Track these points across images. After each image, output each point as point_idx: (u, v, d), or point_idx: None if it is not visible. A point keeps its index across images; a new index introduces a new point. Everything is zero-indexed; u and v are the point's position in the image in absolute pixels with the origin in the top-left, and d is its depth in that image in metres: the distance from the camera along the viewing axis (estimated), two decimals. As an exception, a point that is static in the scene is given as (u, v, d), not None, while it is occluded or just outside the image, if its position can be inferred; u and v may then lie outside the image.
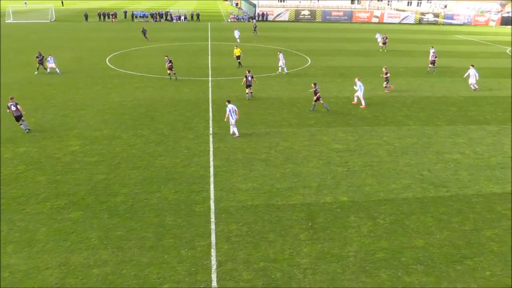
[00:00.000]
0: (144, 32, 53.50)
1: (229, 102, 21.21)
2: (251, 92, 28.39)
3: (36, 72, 35.03)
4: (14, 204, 14.96)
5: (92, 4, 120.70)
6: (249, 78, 27.40)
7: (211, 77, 34.12)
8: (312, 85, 25.85)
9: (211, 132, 22.00)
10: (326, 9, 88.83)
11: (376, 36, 53.35)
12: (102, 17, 78.88)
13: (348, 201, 15.50)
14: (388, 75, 30.25)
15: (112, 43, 51.64)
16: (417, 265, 12.16)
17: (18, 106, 21.40)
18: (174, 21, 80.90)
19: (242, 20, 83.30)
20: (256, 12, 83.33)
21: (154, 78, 33.52)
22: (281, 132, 22.13)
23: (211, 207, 14.92)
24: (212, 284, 11.23)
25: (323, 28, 72.54)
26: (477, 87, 31.62)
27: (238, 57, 37.50)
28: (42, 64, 35.21)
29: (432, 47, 40.00)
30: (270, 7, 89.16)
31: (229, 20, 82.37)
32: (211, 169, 17.82)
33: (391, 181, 17.05)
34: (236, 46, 39.29)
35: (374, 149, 20.21)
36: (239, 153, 19.39)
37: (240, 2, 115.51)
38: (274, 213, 14.63)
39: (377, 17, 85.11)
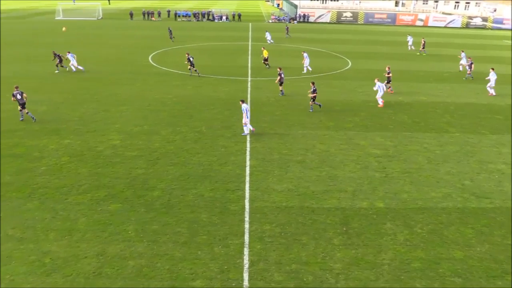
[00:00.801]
0: (170, 31, 53.73)
1: (243, 101, 21.35)
2: (282, 91, 29.24)
3: (56, 71, 35.40)
4: (57, 194, 15.57)
5: (137, 3, 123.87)
6: (282, 76, 28.21)
7: (250, 77, 34.29)
8: (311, 84, 25.30)
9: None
10: (369, 11, 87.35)
11: (408, 39, 51.88)
12: (146, 15, 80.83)
13: (384, 207, 15.19)
14: (390, 75, 30.00)
15: (155, 41, 52.82)
16: (454, 277, 11.76)
17: (24, 95, 22.95)
18: (216, 20, 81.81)
19: (283, 21, 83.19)
20: (297, 13, 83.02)
21: (193, 77, 34.01)
22: (318, 135, 21.96)
23: (246, 206, 15.00)
24: (244, 283, 11.28)
25: (365, 30, 71.40)
26: (492, 92, 30.92)
27: (266, 59, 37.85)
28: (61, 62, 35.58)
29: (463, 51, 39.11)
30: (311, 8, 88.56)
31: (270, 21, 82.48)
32: (247, 168, 17.90)
33: (430, 189, 16.57)
34: (264, 48, 39.77)
35: (413, 156, 19.71)
36: (275, 154, 19.40)
37: (282, 3, 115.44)
38: (308, 215, 14.53)
39: (421, 20, 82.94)
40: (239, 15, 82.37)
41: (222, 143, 20.49)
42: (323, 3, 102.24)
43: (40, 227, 13.55)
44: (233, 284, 11.22)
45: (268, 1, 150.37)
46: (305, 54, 36.68)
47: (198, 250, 12.56)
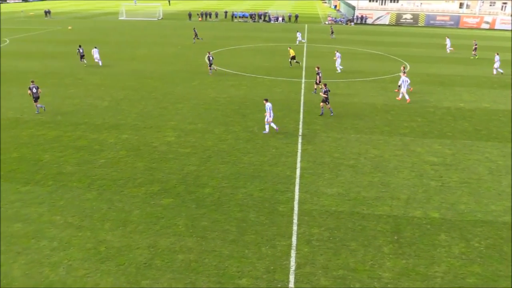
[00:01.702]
0: (195, 33, 53.95)
1: (266, 100, 21.48)
2: (316, 89, 29.61)
3: (84, 64, 38.04)
4: (114, 186, 16.28)
5: (196, 4, 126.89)
6: (320, 75, 28.57)
7: (304, 79, 34.11)
8: (323, 86, 24.42)
9: (300, 133, 22.01)
10: (430, 13, 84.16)
11: (446, 42, 49.83)
12: (204, 16, 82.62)
13: (439, 218, 14.57)
14: (405, 74, 28.65)
15: (212, 41, 53.85)
16: (514, 296, 11.08)
17: (39, 90, 24.49)
18: (272, 22, 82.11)
19: (339, 22, 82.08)
20: (355, 15, 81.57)
21: (248, 77, 34.36)
22: (372, 139, 21.45)
23: (295, 208, 14.94)
24: (290, 285, 11.23)
25: (425, 33, 68.87)
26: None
27: (293, 57, 38.46)
28: (83, 56, 38.03)
29: (497, 53, 38.04)
30: (370, 9, 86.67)
31: (327, 22, 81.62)
32: (298, 170, 17.83)
33: (490, 202, 15.69)
34: (290, 47, 40.43)
35: (473, 165, 18.76)
36: (327, 157, 19.17)
37: (339, 4, 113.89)
38: (358, 221, 14.23)
39: (487, 23, 78.80)
40: (296, 16, 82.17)
41: (273, 144, 20.54)
42: (382, 4, 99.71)
43: (97, 217, 14.23)
44: (279, 286, 11.21)
45: (325, 2, 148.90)
46: (337, 54, 36.86)
47: (245, 249, 12.66)
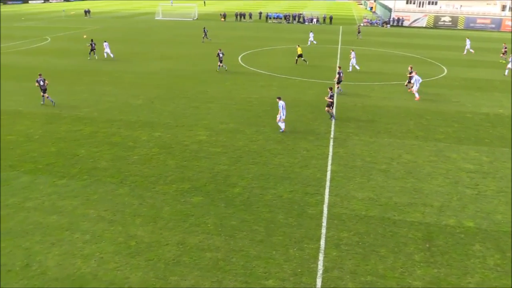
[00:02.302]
0: (205, 32, 54.52)
1: (279, 99, 21.76)
2: (338, 88, 30.01)
3: (89, 58, 41.25)
4: (146, 183, 16.59)
5: (231, 5, 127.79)
6: (341, 75, 29.18)
7: (337, 81, 33.72)
8: (328, 90, 23.71)
9: (332, 136, 21.80)
10: (470, 15, 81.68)
11: (466, 43, 49.48)
12: (238, 17, 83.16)
13: (474, 227, 14.10)
14: (412, 75, 29.47)
15: (246, 42, 54.11)
16: (552, 312, 10.59)
17: (46, 81, 26.00)
18: (306, 23, 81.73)
19: (375, 24, 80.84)
20: (391, 17, 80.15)
21: (280, 78, 34.31)
22: (405, 144, 21.00)
23: (324, 211, 14.80)
24: (316, 289, 11.14)
25: (464, 36, 66.82)
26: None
27: (300, 55, 39.54)
28: (94, 50, 41.16)
29: None
30: (407, 12, 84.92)
31: (362, 24, 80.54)
32: (328, 173, 17.65)
33: (529, 212, 15.07)
34: (298, 45, 41.67)
35: (512, 174, 18.07)
36: (358, 160, 18.90)
37: (375, 6, 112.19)
38: (389, 227, 13.96)
39: (531, 27, 75.75)
40: (331, 18, 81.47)
41: (304, 146, 20.42)
42: (419, 6, 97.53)
43: (128, 212, 14.53)
44: (306, 288, 11.14)
45: (361, 4, 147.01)
46: (352, 53, 37.36)
47: (273, 250, 12.64)
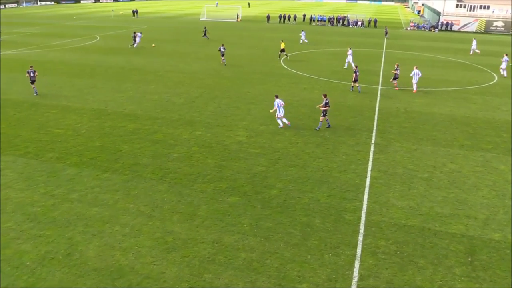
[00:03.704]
0: (205, 30, 56.44)
1: (277, 97, 22.58)
2: (359, 86, 30.98)
3: (129, 46, 48.81)
4: (185, 180, 16.87)
5: (275, 7, 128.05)
6: (357, 73, 30.17)
7: (381, 86, 33.08)
8: (322, 96, 22.54)
9: (373, 141, 21.37)
10: (525, 21, 77.84)
11: (472, 43, 50.70)
12: (282, 19, 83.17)
13: (521, 242, 13.41)
14: (397, 72, 31.30)
15: (288, 44, 53.96)
16: None
17: (36, 73, 28.47)
18: (351, 26, 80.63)
19: (422, 29, 78.63)
20: (440, 21, 77.71)
21: (322, 81, 34.00)
22: (450, 153, 20.27)
23: (362, 218, 14.51)
24: (351, 296, 10.94)
25: (518, 43, 63.86)
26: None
27: (283, 50, 42.27)
28: (135, 39, 48.79)
29: (506, 54, 38.01)
30: (456, 16, 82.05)
31: (409, 28, 78.55)
32: (368, 179, 17.31)
33: None
34: (282, 41, 43.74)
35: None
36: (399, 168, 18.43)
37: (423, 10, 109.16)
38: (429, 238, 13.51)
39: None
40: (375, 21, 79.95)
41: (344, 150, 20.13)
42: (470, 10, 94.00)
43: (167, 208, 14.82)
44: (340, 295, 10.96)
45: (408, 8, 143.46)
46: (349, 51, 39.20)
47: (308, 254, 12.52)
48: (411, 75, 30.76)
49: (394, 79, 31.74)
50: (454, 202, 15.74)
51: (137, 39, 48.82)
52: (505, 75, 39.05)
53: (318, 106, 23.32)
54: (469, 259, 12.54)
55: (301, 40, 54.82)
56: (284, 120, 22.75)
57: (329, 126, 23.13)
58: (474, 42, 50.73)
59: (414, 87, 30.99)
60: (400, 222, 14.32)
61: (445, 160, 19.44)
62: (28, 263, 11.89)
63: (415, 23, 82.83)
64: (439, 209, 15.21)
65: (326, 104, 22.30)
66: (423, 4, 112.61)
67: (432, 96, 30.40)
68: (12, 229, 13.46)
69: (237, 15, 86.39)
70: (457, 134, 22.86)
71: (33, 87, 28.57)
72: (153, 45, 48.74)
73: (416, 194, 16.23)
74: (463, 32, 75.72)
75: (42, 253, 12.35)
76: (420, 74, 30.58)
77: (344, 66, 39.50)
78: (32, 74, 28.16)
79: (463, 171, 18.33)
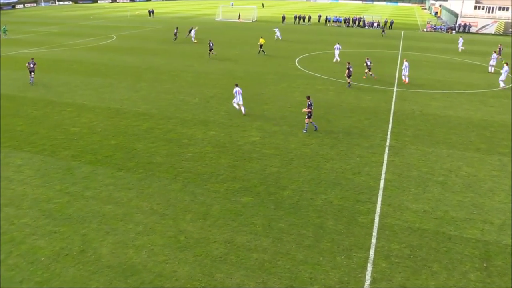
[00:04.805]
0: (176, 32, 55.76)
1: (236, 85, 24.88)
2: (350, 82, 32.19)
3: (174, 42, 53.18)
4: (198, 180, 16.94)
5: (290, 7, 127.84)
6: (351, 69, 31.23)
7: (396, 87, 32.78)
8: (306, 99, 22.16)
9: (387, 144, 21.18)
10: (545, 23, 76.39)
11: (459, 42, 53.71)
12: (297, 19, 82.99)
13: (539, 249, 13.15)
14: (369, 64, 34.66)
15: (304, 45, 53.89)
16: None
17: (35, 65, 30.99)
18: (366, 27, 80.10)
19: (439, 30, 77.72)
20: (457, 23, 76.72)
21: (337, 82, 33.83)
22: (466, 156, 19.99)
23: (375, 220, 14.39)
24: (363, 299, 10.86)
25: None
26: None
27: (261, 46, 45.60)
28: (176, 34, 54.37)
29: (495, 51, 40.96)
30: (474, 17, 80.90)
31: (425, 30, 77.73)
32: (382, 182, 17.16)
33: None
34: (262, 37, 47.10)
35: None
36: (414, 170, 18.23)
37: (440, 11, 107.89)
38: (443, 242, 13.33)
39: None
40: (391, 23, 79.28)
41: (358, 152, 19.99)
42: (489, 12, 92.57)
43: (180, 207, 14.90)
44: (352, 298, 10.88)
45: (425, 9, 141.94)
46: (337, 46, 42.53)
47: (320, 256, 12.46)
48: (402, 67, 33.67)
49: (369, 70, 34.83)
50: (469, 206, 15.52)
51: (192, 33, 53.92)
52: (491, 71, 40.70)
53: (304, 110, 22.64)
54: (484, 265, 12.35)
55: (275, 37, 56.51)
56: (242, 108, 24.92)
57: (316, 129, 22.60)
58: (461, 40, 53.76)
59: (407, 79, 33.78)
60: (414, 225, 14.16)
61: (461, 163, 19.18)
62: (43, 259, 12.06)
63: (432, 24, 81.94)
64: (454, 213, 15.01)
65: (309, 106, 21.90)
66: (440, 5, 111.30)
67: (449, 98, 30.03)
68: (27, 225, 13.67)
69: (239, 15, 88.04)
70: (474, 137, 22.53)
71: (31, 76, 31.03)
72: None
73: (431, 197, 16.04)
74: (481, 34, 74.62)
75: (57, 249, 12.51)
76: (407, 66, 33.44)
77: (334, 60, 42.52)
78: (32, 65, 30.78)
79: (479, 175, 18.06)
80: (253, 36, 59.87)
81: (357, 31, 72.88)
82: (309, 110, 21.88)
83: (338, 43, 43.45)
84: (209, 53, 43.01)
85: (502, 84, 33.72)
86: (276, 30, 58.88)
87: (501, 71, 34.46)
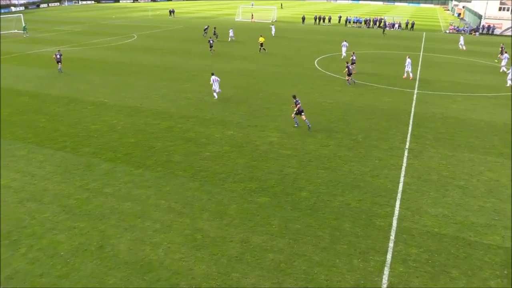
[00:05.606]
0: (205, 30, 59.59)
1: (213, 74, 27.47)
2: (350, 79, 33.08)
3: (204, 35, 57.33)
4: (215, 179, 17.01)
5: (310, 8, 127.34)
6: (350, 68, 32.34)
7: (417, 89, 32.32)
8: (292, 98, 22.63)
9: (407, 146, 20.91)
10: None
11: (460, 40, 54.40)
12: (317, 20, 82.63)
13: (562, 257, 12.80)
14: (354, 59, 36.74)
15: (324, 45, 53.63)
16: None
17: (61, 56, 35.13)
18: (387, 28, 79.20)
19: (462, 32, 76.35)
20: (481, 24, 75.26)
21: (356, 83, 33.53)
22: (488, 161, 19.59)
23: (393, 224, 14.23)
24: (379, 303, 10.74)
25: None
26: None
27: (261, 44, 47.02)
28: (205, 31, 58.30)
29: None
30: (499, 19, 79.18)
31: (448, 31, 76.47)
32: (400, 185, 16.95)
33: None
34: (261, 35, 49.48)
35: None
36: (433, 174, 17.96)
37: (463, 12, 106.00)
38: (463, 248, 13.10)
39: None
40: (412, 24, 78.21)
41: (376, 155, 19.79)
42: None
43: (197, 206, 14.99)
44: (368, 302, 10.78)
45: (448, 10, 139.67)
46: (344, 43, 44.94)
47: (336, 258, 12.38)
48: (405, 64, 35.08)
49: (353, 64, 36.19)
50: (491, 212, 15.20)
51: (231, 33, 55.97)
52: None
53: (292, 106, 23.42)
54: (505, 272, 12.08)
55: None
56: (215, 94, 27.49)
57: (309, 128, 22.76)
58: (462, 39, 54.67)
59: (410, 75, 35.51)
60: (432, 230, 13.95)
61: (482, 168, 18.81)
62: (62, 253, 12.28)
63: (454, 26, 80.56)
64: (474, 218, 14.73)
65: (296, 104, 22.41)
66: (463, 7, 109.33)
67: (471, 101, 29.48)
68: (48, 220, 13.95)
69: (251, 15, 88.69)
70: (496, 141, 22.07)
71: (59, 66, 34.92)
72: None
73: (451, 202, 15.77)
74: (506, 36, 73.03)
75: (76, 244, 12.73)
76: (410, 62, 35.01)
77: (342, 55, 44.98)
78: (58, 56, 34.67)
79: (502, 180, 17.68)
80: (271, 37, 59.84)
81: (377, 32, 72.13)
82: (297, 107, 22.46)
83: (345, 41, 45.85)
84: (210, 50, 45.39)
85: (509, 83, 33.83)
86: (272, 27, 63.19)
87: (507, 71, 35.86)
